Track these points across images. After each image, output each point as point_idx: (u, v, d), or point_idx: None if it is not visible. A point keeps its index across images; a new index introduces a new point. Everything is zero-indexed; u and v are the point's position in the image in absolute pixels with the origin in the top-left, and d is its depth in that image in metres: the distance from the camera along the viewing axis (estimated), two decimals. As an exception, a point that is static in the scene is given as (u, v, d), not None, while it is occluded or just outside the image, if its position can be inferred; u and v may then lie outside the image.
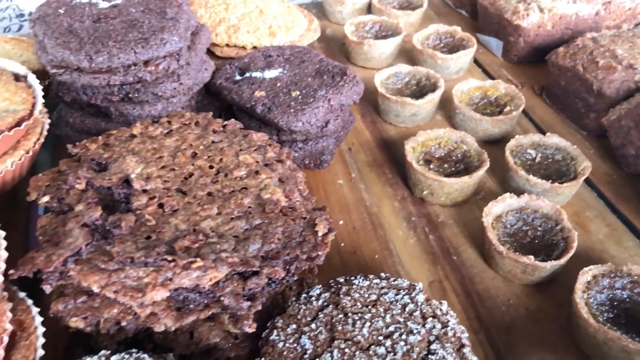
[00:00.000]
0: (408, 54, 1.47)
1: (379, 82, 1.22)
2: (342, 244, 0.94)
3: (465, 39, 1.41)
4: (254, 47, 1.22)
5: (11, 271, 0.63)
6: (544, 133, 1.08)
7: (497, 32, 1.46)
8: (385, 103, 1.20)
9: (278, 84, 1.03)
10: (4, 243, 0.64)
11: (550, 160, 1.05)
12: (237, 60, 1.12)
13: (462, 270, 0.90)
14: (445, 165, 1.04)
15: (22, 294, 0.71)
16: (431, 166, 1.03)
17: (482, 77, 1.41)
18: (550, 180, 0.97)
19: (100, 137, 0.84)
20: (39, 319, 0.69)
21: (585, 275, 0.80)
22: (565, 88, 1.23)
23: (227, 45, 1.23)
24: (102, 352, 0.63)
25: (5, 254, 0.63)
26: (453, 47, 1.42)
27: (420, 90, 1.25)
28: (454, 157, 1.05)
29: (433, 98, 1.18)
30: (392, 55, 1.43)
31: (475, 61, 1.48)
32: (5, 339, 0.61)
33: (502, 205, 0.93)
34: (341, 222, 0.98)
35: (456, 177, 0.98)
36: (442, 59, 1.34)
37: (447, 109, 1.26)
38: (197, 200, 0.73)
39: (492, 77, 1.40)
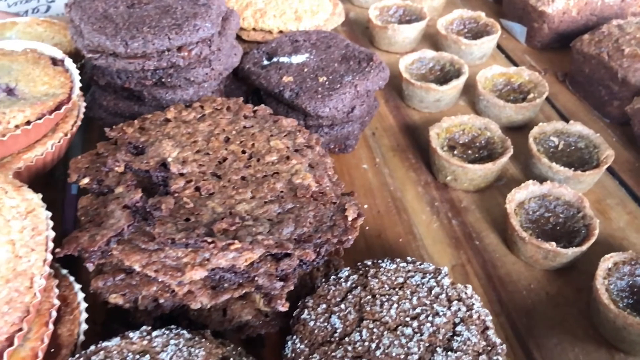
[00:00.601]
0: (432, 39, 1.48)
1: (403, 67, 1.23)
2: (367, 228, 0.96)
3: (489, 25, 1.41)
4: (280, 32, 1.23)
5: (57, 250, 0.67)
6: (567, 120, 1.09)
7: (521, 18, 1.46)
8: (410, 88, 1.21)
9: (305, 69, 1.05)
10: (51, 223, 0.67)
11: (573, 147, 1.05)
12: (264, 45, 1.13)
13: (484, 255, 0.92)
14: (469, 152, 1.05)
15: (64, 271, 0.75)
16: (455, 152, 1.04)
17: (505, 63, 1.41)
18: (572, 168, 0.98)
19: (135, 121, 0.87)
20: (81, 295, 0.72)
21: (606, 262, 0.81)
22: (589, 75, 1.23)
23: (254, 29, 1.25)
24: (143, 327, 0.66)
25: (52, 234, 0.66)
26: (477, 32, 1.42)
27: (444, 75, 1.26)
28: (477, 144, 1.06)
29: (457, 84, 1.19)
30: (415, 40, 1.44)
31: (499, 47, 1.48)
32: (54, 314, 0.64)
33: (525, 192, 0.94)
34: (366, 206, 1.00)
35: (480, 163, 0.99)
36: (466, 45, 1.34)
37: (470, 95, 1.26)
38: (232, 184, 0.75)
39: (515, 63, 1.40)
